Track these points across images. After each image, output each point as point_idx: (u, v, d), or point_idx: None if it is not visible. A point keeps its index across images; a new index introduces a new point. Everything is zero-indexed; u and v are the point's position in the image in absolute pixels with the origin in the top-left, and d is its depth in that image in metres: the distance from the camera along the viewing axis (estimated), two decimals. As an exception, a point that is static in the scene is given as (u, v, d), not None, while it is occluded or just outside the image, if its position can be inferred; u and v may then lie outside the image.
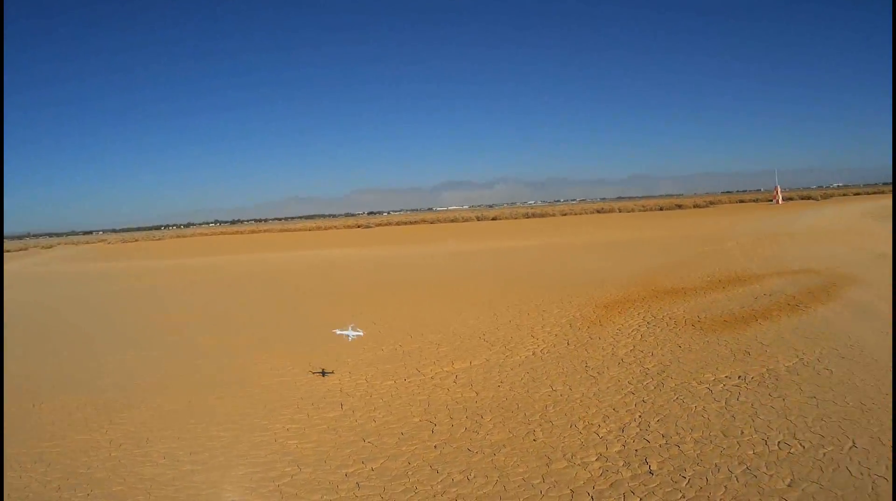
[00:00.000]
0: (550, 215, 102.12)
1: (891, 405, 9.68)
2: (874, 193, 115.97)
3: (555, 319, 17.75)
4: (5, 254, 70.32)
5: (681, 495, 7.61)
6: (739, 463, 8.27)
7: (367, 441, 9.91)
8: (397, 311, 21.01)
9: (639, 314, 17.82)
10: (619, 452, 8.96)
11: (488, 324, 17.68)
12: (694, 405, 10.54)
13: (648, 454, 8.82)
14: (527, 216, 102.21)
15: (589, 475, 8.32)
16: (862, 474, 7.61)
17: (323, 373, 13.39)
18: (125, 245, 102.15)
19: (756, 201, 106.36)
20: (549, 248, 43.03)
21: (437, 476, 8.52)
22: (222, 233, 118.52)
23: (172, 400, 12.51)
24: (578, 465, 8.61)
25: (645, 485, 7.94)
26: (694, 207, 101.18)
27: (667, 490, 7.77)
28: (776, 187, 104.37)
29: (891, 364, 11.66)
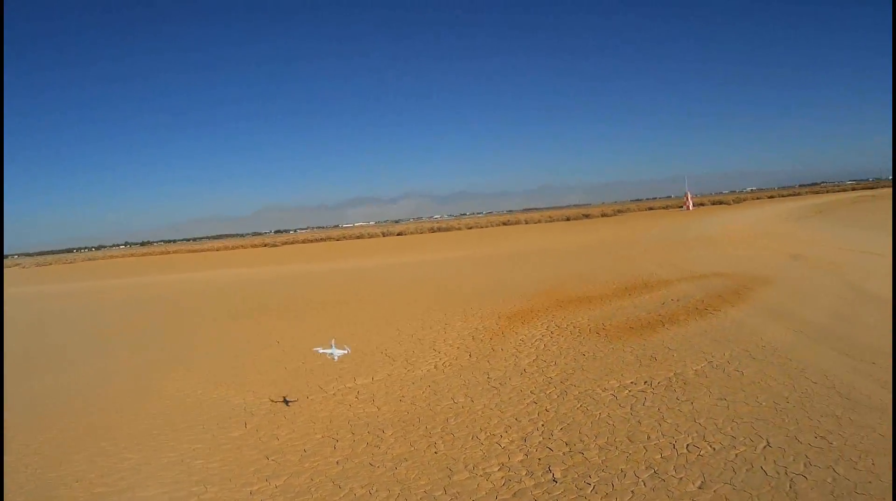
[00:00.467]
0: (456, 229, 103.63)
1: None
2: (789, 195, 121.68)
3: (457, 331, 18.18)
4: None
5: None
6: (647, 468, 8.46)
7: (270, 458, 10.08)
8: (300, 329, 21.24)
9: (542, 323, 18.25)
10: (521, 461, 9.12)
11: (390, 339, 18.08)
12: (598, 412, 10.77)
13: (552, 462, 8.98)
14: (432, 231, 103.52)
15: (491, 485, 8.46)
16: (778, 473, 7.90)
17: (286, 402, 13.14)
18: (41, 269, 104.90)
19: (666, 208, 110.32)
20: (454, 261, 43.41)
21: (340, 491, 8.69)
22: (132, 255, 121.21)
23: (84, 422, 12.85)
24: (481, 476, 8.77)
25: (549, 493, 8.07)
26: (602, 216, 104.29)
27: (571, 497, 7.90)
28: (686, 193, 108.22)
29: (806, 364, 12.26)
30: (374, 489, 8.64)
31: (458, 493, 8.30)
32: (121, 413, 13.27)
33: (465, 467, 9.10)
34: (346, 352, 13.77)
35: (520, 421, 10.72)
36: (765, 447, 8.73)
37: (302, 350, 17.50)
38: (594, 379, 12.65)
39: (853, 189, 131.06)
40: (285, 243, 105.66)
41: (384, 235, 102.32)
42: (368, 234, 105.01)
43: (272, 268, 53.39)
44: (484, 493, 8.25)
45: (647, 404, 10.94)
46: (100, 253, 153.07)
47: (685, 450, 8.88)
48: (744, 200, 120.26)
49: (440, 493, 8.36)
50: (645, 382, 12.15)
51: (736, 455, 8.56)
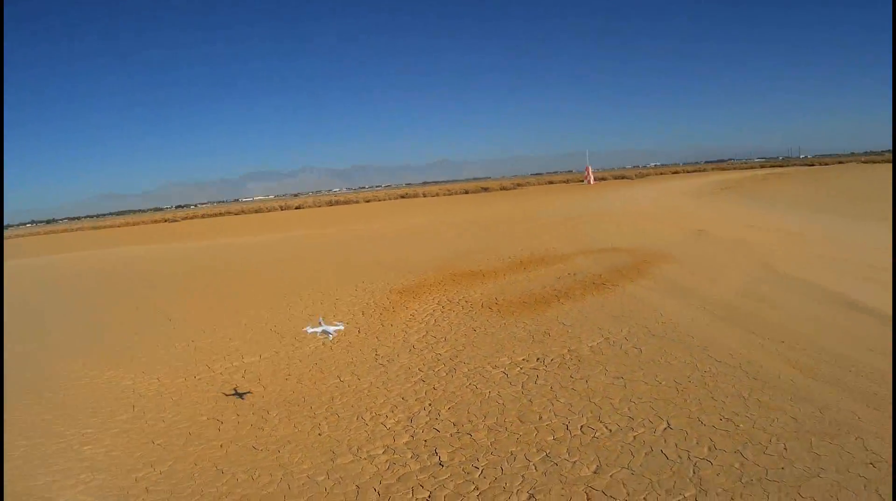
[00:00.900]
0: (354, 202, 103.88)
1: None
2: (694, 171, 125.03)
3: (347, 307, 18.26)
4: None
5: (473, 487, 7.69)
6: (538, 450, 8.44)
7: (156, 442, 10.14)
8: (193, 306, 21.02)
9: (434, 298, 18.31)
10: (407, 443, 9.14)
11: (281, 315, 18.13)
12: (488, 391, 10.77)
13: (439, 444, 8.97)
14: (330, 204, 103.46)
15: (375, 469, 8.47)
16: (680, 457, 7.94)
17: (238, 394, 12.51)
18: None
19: (567, 182, 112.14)
20: (348, 235, 43.06)
21: (222, 476, 8.73)
22: (37, 234, 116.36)
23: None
24: (364, 459, 8.80)
25: (435, 477, 8.04)
26: (501, 189, 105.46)
27: (458, 482, 7.86)
28: (587, 168, 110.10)
29: (709, 342, 12.48)
30: (257, 473, 8.67)
31: (341, 477, 8.31)
32: (14, 400, 12.82)
33: (349, 449, 9.14)
34: (339, 328, 13.46)
35: (406, 401, 10.77)
36: (665, 429, 8.79)
37: (193, 328, 17.42)
38: (485, 356, 12.66)
39: (761, 167, 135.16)
40: (185, 219, 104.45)
41: (282, 209, 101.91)
42: (267, 208, 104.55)
43: (169, 245, 51.89)
44: (368, 477, 8.25)
45: (539, 382, 10.96)
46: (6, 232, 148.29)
47: (579, 432, 8.90)
48: (647, 175, 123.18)
49: (323, 477, 8.37)
50: (537, 359, 12.19)
51: (634, 437, 8.60)
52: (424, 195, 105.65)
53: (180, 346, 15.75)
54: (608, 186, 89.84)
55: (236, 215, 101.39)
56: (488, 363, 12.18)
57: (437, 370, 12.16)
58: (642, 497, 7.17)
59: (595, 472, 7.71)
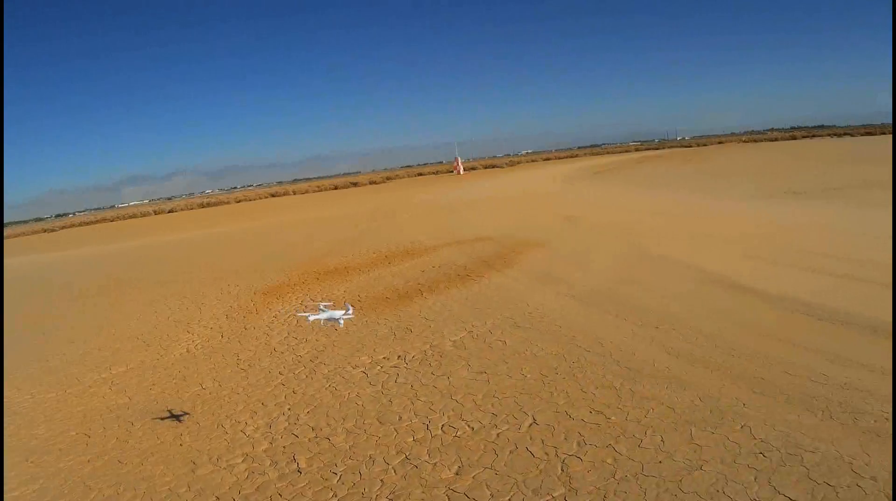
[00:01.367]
0: (226, 204, 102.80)
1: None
2: (567, 157, 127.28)
3: (212, 311, 18.12)
4: None
5: (332, 494, 7.53)
6: (398, 453, 8.26)
7: (29, 460, 9.95)
8: (63, 318, 20.45)
9: (297, 298, 18.24)
10: (266, 450, 8.98)
11: (147, 323, 17.91)
12: (347, 392, 10.63)
13: (297, 450, 8.83)
14: (202, 206, 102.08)
15: (235, 478, 8.30)
16: (547, 454, 7.80)
17: (176, 417, 11.63)
18: None
19: (437, 173, 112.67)
20: (216, 237, 42.20)
21: (90, 492, 8.61)
22: None
23: None
24: (224, 468, 8.62)
25: (293, 485, 7.89)
26: (370, 183, 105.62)
27: (316, 489, 7.71)
28: (456, 158, 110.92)
29: (578, 331, 12.44)
30: (122, 488, 8.50)
31: (201, 489, 8.15)
32: None
33: (210, 459, 8.95)
34: (349, 316, 11.16)
35: (266, 406, 10.62)
36: (531, 425, 8.66)
37: (65, 341, 17.13)
38: (345, 356, 12.50)
39: (637, 150, 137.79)
40: (63, 228, 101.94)
41: (156, 213, 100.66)
42: (142, 213, 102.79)
43: (47, 255, 49.95)
44: (227, 487, 8.09)
45: (399, 381, 10.82)
46: None
47: (440, 431, 8.73)
48: (518, 163, 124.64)
49: (184, 489, 8.21)
50: (398, 356, 12.07)
51: (498, 434, 8.46)
52: (294, 193, 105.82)
53: (53, 360, 15.37)
54: (478, 176, 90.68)
55: (111, 221, 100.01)
56: (348, 363, 12.00)
57: (297, 372, 12.00)
58: (507, 498, 6.96)
59: (457, 473, 7.53)
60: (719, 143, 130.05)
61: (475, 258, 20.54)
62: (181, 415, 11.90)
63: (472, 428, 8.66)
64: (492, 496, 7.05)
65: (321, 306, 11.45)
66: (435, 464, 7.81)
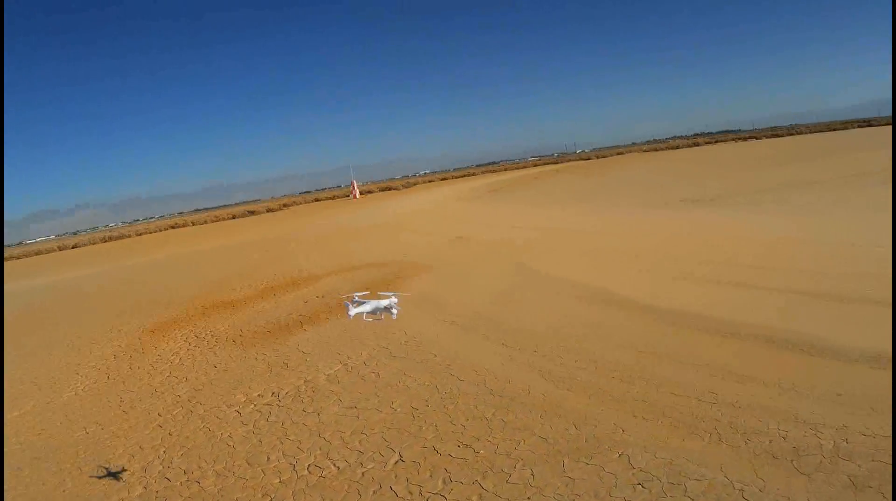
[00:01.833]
0: (127, 237, 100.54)
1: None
2: (463, 176, 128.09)
3: (101, 352, 17.76)
4: None
5: None
6: (263, 496, 8.22)
7: None
8: None
9: (182, 335, 17.99)
10: (140, 496, 8.86)
11: (39, 365, 17.44)
12: (220, 432, 10.52)
13: (169, 494, 8.71)
14: (104, 241, 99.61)
15: None
16: (411, 493, 7.76)
17: (112, 474, 11.12)
18: None
19: (333, 198, 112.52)
20: (113, 274, 41.11)
21: None
22: None
23: None
24: None
25: None
26: (267, 211, 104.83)
27: None
28: (352, 182, 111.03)
29: (453, 359, 12.51)
30: None
31: None
32: None
33: None
34: (395, 306, 9.54)
35: (143, 449, 10.48)
36: (396, 462, 8.65)
37: None
38: (221, 395, 12.38)
39: (535, 166, 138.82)
40: None
41: (60, 249, 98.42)
42: (46, 249, 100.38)
43: None
44: None
45: (270, 419, 10.75)
46: None
47: (306, 472, 8.71)
48: (415, 184, 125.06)
49: None
50: (273, 393, 11.99)
51: (363, 473, 8.45)
52: (193, 224, 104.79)
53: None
54: (373, 199, 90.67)
55: (18, 258, 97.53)
56: (224, 402, 11.88)
57: (174, 413, 11.83)
58: (367, 540, 7.03)
59: (318, 514, 7.50)
60: (619, 154, 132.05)
61: (360, 285, 20.46)
62: (119, 473, 11.73)
63: (338, 468, 8.64)
64: (352, 538, 7.09)
65: (356, 298, 9.86)
66: (298, 506, 7.75)
